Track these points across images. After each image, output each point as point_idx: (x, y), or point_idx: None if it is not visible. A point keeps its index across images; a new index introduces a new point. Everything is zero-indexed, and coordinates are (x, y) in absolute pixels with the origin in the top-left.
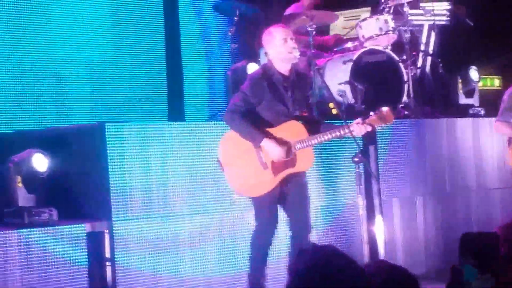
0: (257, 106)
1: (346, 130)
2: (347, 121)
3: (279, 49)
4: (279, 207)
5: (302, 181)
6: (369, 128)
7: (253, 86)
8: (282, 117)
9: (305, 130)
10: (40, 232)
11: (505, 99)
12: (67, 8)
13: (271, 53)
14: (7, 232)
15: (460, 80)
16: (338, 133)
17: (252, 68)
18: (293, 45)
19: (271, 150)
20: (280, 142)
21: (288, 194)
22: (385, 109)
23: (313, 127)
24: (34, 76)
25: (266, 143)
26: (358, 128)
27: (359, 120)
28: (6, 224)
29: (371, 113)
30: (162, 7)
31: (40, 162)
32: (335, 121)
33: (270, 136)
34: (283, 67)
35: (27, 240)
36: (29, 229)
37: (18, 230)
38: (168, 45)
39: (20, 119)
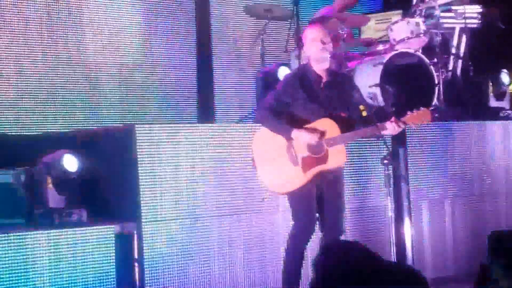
0: (291, 105)
1: (379, 128)
2: (377, 124)
3: (309, 48)
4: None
5: (340, 184)
6: (403, 126)
7: (286, 85)
8: (316, 115)
9: (337, 128)
10: (70, 233)
11: None
12: (99, 10)
13: (307, 52)
14: (37, 232)
15: (490, 83)
16: (369, 131)
17: (283, 71)
18: (321, 46)
19: (303, 137)
20: (311, 130)
21: (324, 196)
22: (423, 108)
23: (347, 126)
24: (65, 78)
25: (296, 132)
26: (391, 126)
27: (393, 118)
28: (36, 225)
29: (408, 112)
30: (194, 9)
31: (70, 162)
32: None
33: (302, 128)
34: (318, 67)
35: (56, 240)
36: (58, 230)
37: (48, 231)
38: (199, 47)
39: (51, 120)
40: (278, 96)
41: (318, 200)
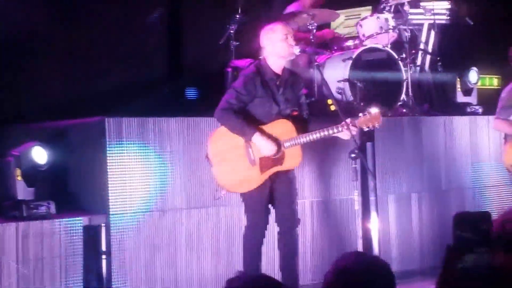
0: (249, 104)
1: (335, 130)
2: (344, 118)
3: (279, 44)
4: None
5: (290, 176)
6: (355, 131)
7: (246, 83)
8: (272, 115)
9: (294, 129)
10: (38, 225)
11: (504, 96)
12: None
13: (269, 49)
14: (5, 224)
15: (458, 80)
16: (326, 133)
17: None
18: (293, 42)
19: (262, 145)
20: (271, 138)
21: (275, 190)
22: (374, 110)
23: (302, 126)
24: (35, 70)
25: (257, 138)
26: (345, 130)
27: (347, 120)
28: (5, 217)
29: (360, 115)
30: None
31: (40, 155)
32: (329, 119)
33: (261, 131)
34: (277, 64)
35: (24, 232)
36: (27, 222)
37: (16, 223)
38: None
39: (20, 113)
40: (238, 94)
41: (271, 194)
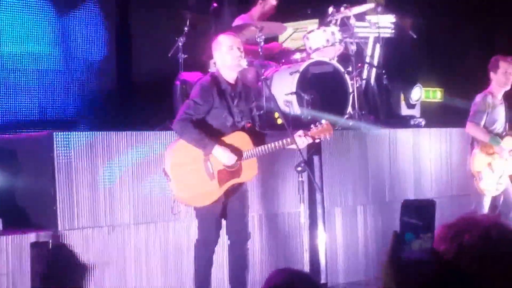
0: (206, 115)
1: (290, 141)
2: (291, 131)
3: (225, 56)
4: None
5: (243, 190)
6: (310, 140)
7: (204, 94)
8: (227, 127)
9: (250, 141)
10: None
11: (478, 101)
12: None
13: (218, 61)
14: None
15: (402, 94)
16: (281, 144)
17: None
18: (239, 53)
19: (223, 157)
20: (231, 149)
21: (229, 204)
22: (324, 121)
23: (257, 138)
24: None
25: (217, 150)
26: (300, 140)
27: (300, 132)
28: None
29: (312, 126)
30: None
31: None
32: (278, 131)
33: (221, 143)
34: (229, 75)
35: None
36: None
37: None
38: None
39: None
40: (196, 105)
41: (224, 207)
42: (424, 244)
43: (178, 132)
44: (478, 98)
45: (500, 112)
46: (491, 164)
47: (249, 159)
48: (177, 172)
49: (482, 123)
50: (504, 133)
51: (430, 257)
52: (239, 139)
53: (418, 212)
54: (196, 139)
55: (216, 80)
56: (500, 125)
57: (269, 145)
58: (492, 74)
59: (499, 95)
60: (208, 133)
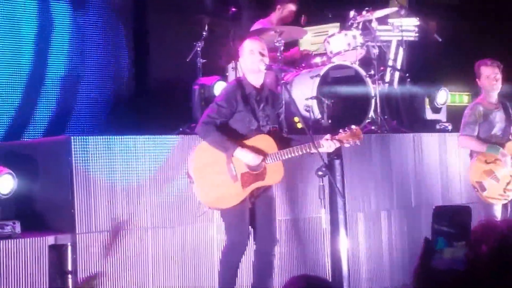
0: (231, 118)
1: (315, 145)
2: (311, 136)
3: (246, 60)
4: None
5: (270, 195)
6: (338, 145)
7: (227, 97)
8: (252, 130)
9: (275, 144)
10: (2, 245)
11: (467, 113)
12: (34, 21)
13: (242, 65)
14: None
15: (427, 98)
16: (308, 149)
17: (219, 86)
18: (260, 58)
19: (246, 157)
20: (254, 150)
21: (256, 208)
22: (354, 126)
23: (282, 142)
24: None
25: (239, 152)
26: (327, 144)
27: (328, 136)
28: None
29: (340, 131)
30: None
31: (6, 184)
32: (302, 136)
33: (243, 146)
34: (255, 80)
35: None
36: None
37: None
38: (136, 57)
39: None
40: (220, 108)
41: (250, 212)
42: (457, 253)
43: (201, 135)
44: (467, 109)
45: (498, 117)
46: (494, 172)
47: (274, 162)
48: (200, 175)
49: (475, 134)
50: (507, 138)
51: (463, 266)
52: (263, 142)
53: (451, 220)
54: (218, 142)
55: (241, 84)
56: (499, 130)
57: (294, 148)
58: (478, 82)
59: (493, 100)
60: (231, 136)
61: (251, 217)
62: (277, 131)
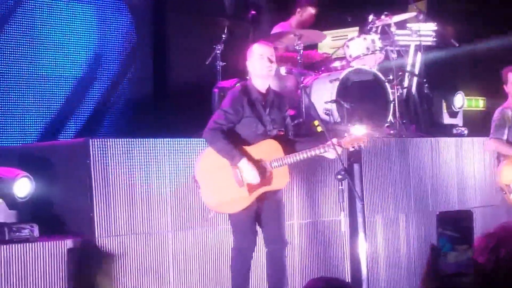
0: (238, 124)
1: (322, 150)
2: (331, 139)
3: (255, 64)
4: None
5: (278, 198)
6: (340, 150)
7: (235, 104)
8: (258, 135)
9: (281, 149)
10: (20, 248)
11: (497, 117)
12: (54, 23)
13: (250, 69)
14: None
15: (444, 103)
16: (313, 153)
17: None
18: (269, 64)
19: (247, 173)
20: (257, 165)
21: (263, 211)
22: (358, 130)
23: (289, 147)
24: (18, 92)
25: (243, 164)
26: (331, 150)
27: (335, 140)
28: None
29: (346, 135)
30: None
31: (24, 187)
32: (311, 138)
33: (248, 157)
34: (261, 84)
35: (7, 256)
36: (9, 245)
37: None
38: (155, 60)
39: (3, 135)
40: (226, 114)
41: (258, 215)
42: (460, 257)
43: (208, 141)
44: (496, 113)
45: None
46: None
47: (280, 167)
48: (205, 179)
49: (504, 137)
50: None
51: (467, 270)
52: (268, 147)
53: (454, 224)
54: (225, 150)
55: (246, 89)
56: None
57: (300, 154)
58: (505, 87)
59: None
60: (238, 141)
61: (258, 220)
62: (284, 135)
